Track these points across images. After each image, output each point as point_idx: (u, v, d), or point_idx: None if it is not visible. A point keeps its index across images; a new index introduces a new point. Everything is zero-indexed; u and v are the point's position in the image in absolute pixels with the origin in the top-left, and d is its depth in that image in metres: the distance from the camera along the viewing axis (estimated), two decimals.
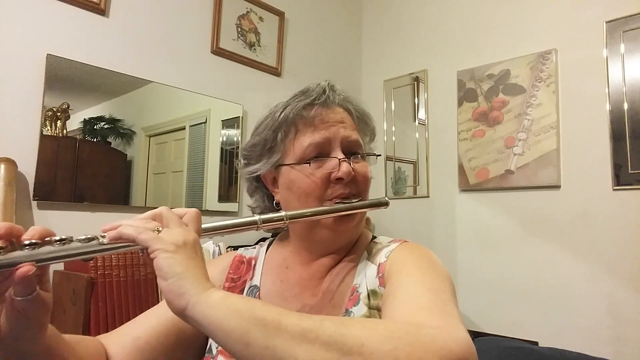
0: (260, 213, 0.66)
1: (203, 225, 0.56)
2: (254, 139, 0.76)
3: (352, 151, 0.72)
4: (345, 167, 0.69)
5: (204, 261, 0.52)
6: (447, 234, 2.18)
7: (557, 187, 1.86)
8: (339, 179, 0.69)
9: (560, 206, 1.85)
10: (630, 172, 1.69)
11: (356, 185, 0.71)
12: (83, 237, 0.49)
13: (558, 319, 1.80)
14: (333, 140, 0.70)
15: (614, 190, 1.72)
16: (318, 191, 0.69)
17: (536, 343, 1.75)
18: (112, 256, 1.39)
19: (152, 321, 0.68)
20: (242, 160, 0.79)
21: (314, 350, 0.44)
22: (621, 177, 1.71)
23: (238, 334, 0.45)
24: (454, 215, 2.17)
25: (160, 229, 0.52)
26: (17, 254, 0.45)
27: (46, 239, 0.47)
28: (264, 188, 0.78)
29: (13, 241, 0.46)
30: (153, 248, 0.49)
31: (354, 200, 0.70)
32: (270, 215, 0.63)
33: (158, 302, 1.49)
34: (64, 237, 0.47)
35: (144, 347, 0.65)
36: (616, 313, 1.68)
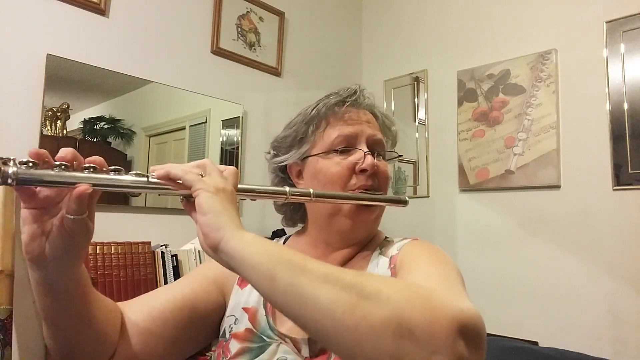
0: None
1: (239, 186, 0.60)
2: (285, 132, 0.81)
3: (375, 149, 0.77)
4: (369, 159, 0.73)
5: (237, 208, 0.56)
6: (447, 234, 2.18)
7: (557, 187, 1.86)
8: (363, 170, 0.73)
9: (560, 206, 1.85)
10: (630, 172, 1.69)
11: (378, 180, 0.76)
12: (134, 172, 0.52)
13: (558, 319, 1.80)
14: (360, 136, 0.75)
15: (614, 190, 1.72)
16: (343, 179, 0.73)
17: (536, 343, 1.75)
18: (112, 256, 1.39)
19: (168, 294, 0.70)
20: (271, 151, 0.84)
21: (334, 290, 0.46)
22: (621, 177, 1.71)
23: (265, 269, 0.48)
24: (454, 215, 2.16)
25: (203, 175, 0.56)
26: (78, 174, 0.49)
27: (103, 168, 0.51)
28: (288, 179, 0.82)
29: (74, 163, 0.50)
30: (196, 187, 0.53)
31: (376, 193, 0.75)
32: (299, 189, 0.68)
33: None
34: (118, 167, 0.52)
35: (157, 317, 0.67)
36: (616, 313, 1.68)
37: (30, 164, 0.46)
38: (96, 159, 0.51)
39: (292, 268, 0.48)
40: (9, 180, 0.45)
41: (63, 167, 0.48)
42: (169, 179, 0.54)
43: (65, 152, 0.50)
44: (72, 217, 0.49)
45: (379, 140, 0.78)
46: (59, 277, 0.54)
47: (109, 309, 0.63)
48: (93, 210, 0.53)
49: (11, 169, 0.45)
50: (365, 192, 0.73)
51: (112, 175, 0.51)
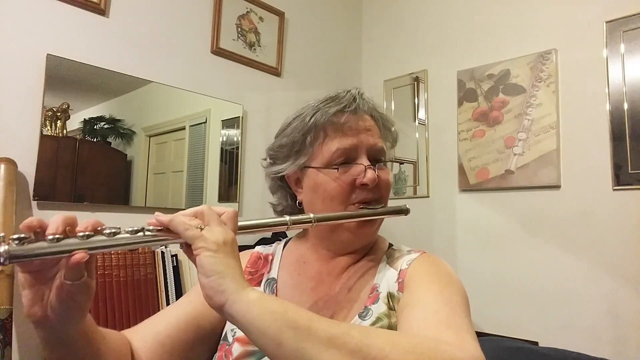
0: (290, 214, 0.69)
1: (239, 224, 0.60)
2: (281, 140, 0.78)
3: (376, 158, 0.75)
4: (370, 174, 0.72)
5: (239, 259, 0.56)
6: (447, 234, 2.18)
7: (557, 187, 1.86)
8: (363, 185, 0.72)
9: (560, 206, 1.85)
10: (630, 172, 1.69)
11: (379, 191, 0.74)
12: (130, 229, 0.52)
13: (558, 319, 1.80)
14: (360, 147, 0.73)
15: (614, 190, 1.72)
16: (343, 195, 0.72)
17: (536, 343, 1.75)
18: (112, 256, 1.39)
19: (172, 317, 0.71)
20: (267, 160, 0.82)
21: (340, 356, 0.47)
22: (621, 177, 1.71)
23: (271, 333, 0.48)
24: (454, 215, 2.16)
25: (202, 226, 0.55)
26: (72, 241, 0.48)
27: (97, 229, 0.51)
28: (287, 187, 0.81)
29: (68, 230, 0.49)
30: (197, 245, 0.53)
31: (377, 207, 0.74)
32: (300, 216, 0.66)
33: (158, 302, 1.49)
34: (113, 228, 0.51)
35: (165, 341, 0.68)
36: (616, 313, 1.68)
37: (22, 239, 0.46)
38: (89, 224, 0.50)
39: (297, 332, 0.48)
40: (1, 260, 0.44)
41: (56, 238, 0.47)
42: (168, 231, 0.54)
43: (56, 223, 0.49)
44: (70, 283, 0.49)
45: (380, 149, 0.76)
46: (64, 334, 0.54)
47: (117, 345, 0.64)
48: (93, 269, 0.53)
49: (2, 248, 0.44)
50: (365, 207, 0.72)
51: (107, 237, 0.50)
